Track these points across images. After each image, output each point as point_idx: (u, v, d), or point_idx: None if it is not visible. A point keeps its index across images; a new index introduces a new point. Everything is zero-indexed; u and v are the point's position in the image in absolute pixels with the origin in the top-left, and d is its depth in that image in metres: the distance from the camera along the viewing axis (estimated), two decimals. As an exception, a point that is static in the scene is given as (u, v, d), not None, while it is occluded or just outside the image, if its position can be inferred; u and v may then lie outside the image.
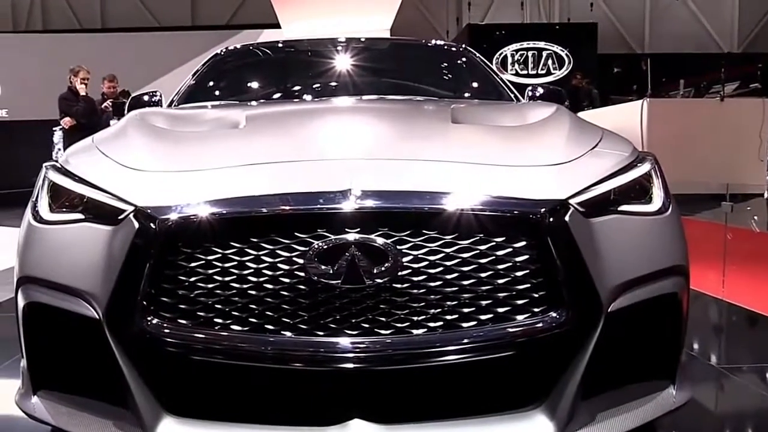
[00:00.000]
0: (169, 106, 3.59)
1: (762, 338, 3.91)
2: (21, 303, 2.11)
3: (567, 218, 1.86)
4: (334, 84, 3.74)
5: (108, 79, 10.02)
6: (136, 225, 1.86)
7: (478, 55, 4.13)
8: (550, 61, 19.26)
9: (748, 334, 4.07)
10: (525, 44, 19.21)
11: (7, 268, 5.45)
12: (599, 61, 18.75)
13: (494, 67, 4.07)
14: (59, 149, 10.55)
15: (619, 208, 2.01)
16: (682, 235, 2.15)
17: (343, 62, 3.86)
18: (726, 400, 2.91)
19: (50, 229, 2.06)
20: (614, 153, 2.19)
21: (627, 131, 10.29)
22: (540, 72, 19.12)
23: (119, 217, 1.91)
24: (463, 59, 4.14)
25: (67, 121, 9.15)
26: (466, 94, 3.82)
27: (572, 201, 1.90)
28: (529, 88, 3.72)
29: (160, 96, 3.71)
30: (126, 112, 3.35)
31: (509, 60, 19.24)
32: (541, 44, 19.22)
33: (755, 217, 7.76)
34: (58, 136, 11.07)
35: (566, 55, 19.15)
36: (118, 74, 10.46)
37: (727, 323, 4.26)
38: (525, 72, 19.10)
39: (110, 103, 9.46)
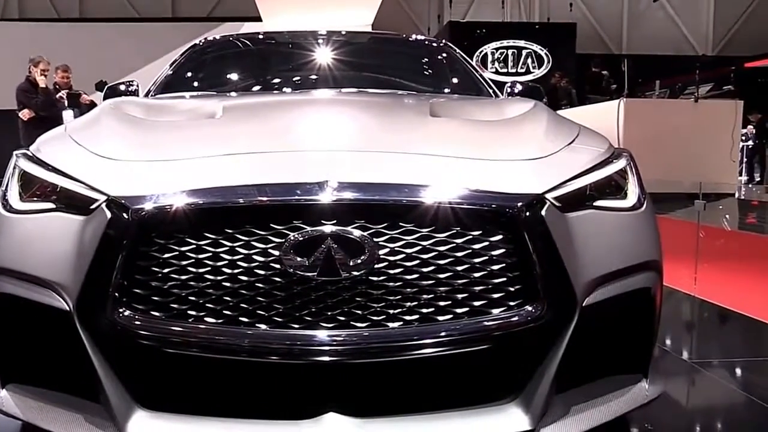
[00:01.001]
0: (146, 96, 3.55)
1: (731, 334, 3.98)
2: None
3: (543, 212, 1.86)
4: (313, 77, 3.72)
5: (62, 68, 9.65)
6: (109, 215, 1.83)
7: (458, 50, 4.13)
8: (529, 60, 19.37)
9: (718, 329, 4.13)
10: (505, 43, 19.31)
11: None
12: (578, 60, 18.88)
13: (474, 64, 4.06)
14: None
15: (594, 204, 2.01)
16: (656, 230, 2.16)
17: (323, 55, 3.84)
18: (696, 394, 2.95)
19: (20, 218, 2.02)
20: (590, 149, 2.20)
21: (603, 130, 10.38)
22: (520, 70, 19.23)
23: (91, 207, 1.87)
24: (443, 54, 4.14)
25: (26, 113, 8.84)
26: (446, 89, 3.81)
27: (549, 195, 1.90)
28: (508, 84, 3.72)
29: (137, 86, 3.66)
30: (102, 101, 3.31)
31: (489, 58, 19.32)
32: (521, 43, 19.33)
33: (726, 216, 7.84)
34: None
35: (545, 54, 19.27)
36: (95, 65, 10.30)
37: (699, 319, 4.32)
38: (505, 70, 19.19)
39: (65, 94, 9.26)
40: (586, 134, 2.34)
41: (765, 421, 2.56)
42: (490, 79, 3.83)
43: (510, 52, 19.33)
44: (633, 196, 2.13)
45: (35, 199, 2.03)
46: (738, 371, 3.15)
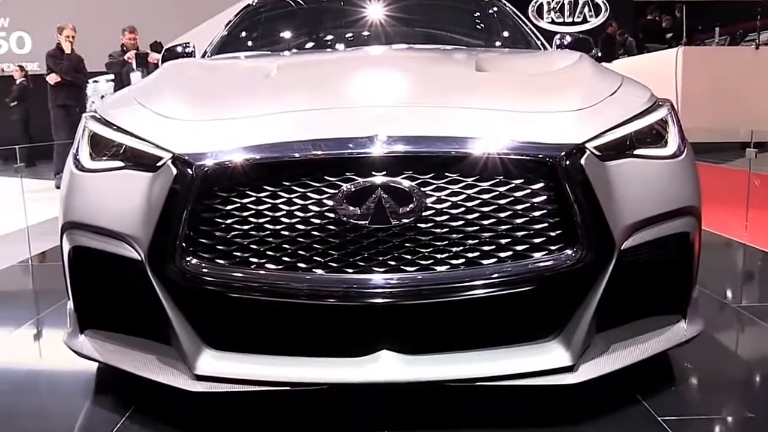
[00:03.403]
0: (203, 57, 3.68)
1: None
2: (66, 247, 2.23)
3: (583, 161, 1.93)
4: (364, 33, 3.78)
5: (128, 30, 9.91)
6: (174, 171, 1.96)
7: (507, 4, 4.15)
8: (586, 9, 18.94)
9: (767, 275, 4.15)
10: (561, -8, 18.91)
11: (42, 221, 5.66)
12: (635, 8, 18.43)
13: (523, 17, 4.07)
14: (93, 102, 10.64)
15: (634, 152, 2.08)
16: (696, 177, 2.22)
17: (373, 11, 3.89)
18: (741, 337, 2.98)
19: (92, 176, 2.18)
20: (632, 99, 2.25)
21: (662, 79, 10.19)
22: (576, 20, 18.82)
23: (157, 164, 2.01)
24: (494, 8, 4.16)
25: (52, 77, 9.21)
26: (496, 43, 3.85)
27: (589, 145, 1.97)
28: (557, 36, 3.73)
29: (194, 47, 3.80)
30: (160, 63, 3.45)
31: (545, 8, 18.95)
32: (578, -8, 18.91)
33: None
34: (91, 89, 11.21)
35: (602, 2, 18.82)
36: (149, 25, 10.44)
37: (747, 265, 4.33)
38: (561, 20, 18.81)
39: (133, 54, 9.53)
40: (628, 85, 2.39)
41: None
42: (545, 29, 3.84)
43: (566, 1, 18.95)
44: (673, 144, 2.18)
45: (104, 158, 2.18)
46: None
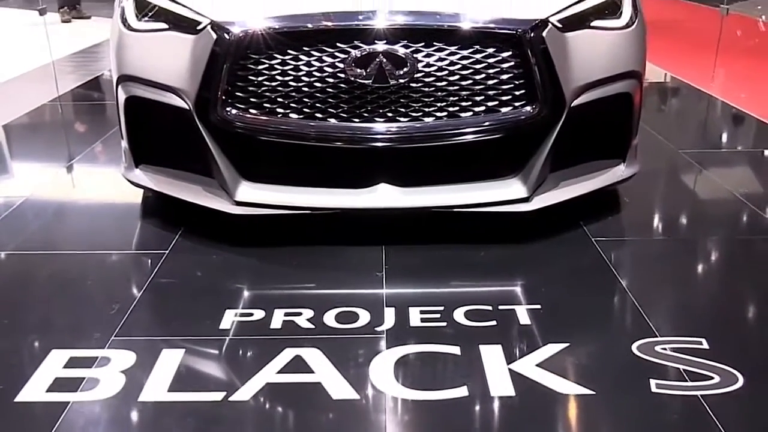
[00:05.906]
0: None
1: (732, 130, 4.36)
2: (122, 97, 2.65)
3: (545, 34, 2.37)
4: None
5: None
6: (214, 36, 2.36)
7: None
8: None
9: (721, 126, 4.50)
10: None
11: (60, 58, 5.74)
12: None
13: None
14: None
15: (591, 24, 2.51)
16: (643, 45, 2.66)
17: None
18: (678, 178, 3.43)
19: (141, 35, 2.57)
20: None
21: None
22: None
23: (198, 28, 2.41)
24: None
25: None
26: None
27: (552, 19, 2.40)
28: None
29: None
30: None
31: None
32: None
33: (759, 8, 7.40)
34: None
35: None
36: None
37: (702, 113, 4.67)
38: None
39: None
40: None
41: (724, 203, 3.04)
42: None
43: None
44: (626, 16, 2.60)
45: (149, 19, 2.57)
46: (719, 161, 3.57)
